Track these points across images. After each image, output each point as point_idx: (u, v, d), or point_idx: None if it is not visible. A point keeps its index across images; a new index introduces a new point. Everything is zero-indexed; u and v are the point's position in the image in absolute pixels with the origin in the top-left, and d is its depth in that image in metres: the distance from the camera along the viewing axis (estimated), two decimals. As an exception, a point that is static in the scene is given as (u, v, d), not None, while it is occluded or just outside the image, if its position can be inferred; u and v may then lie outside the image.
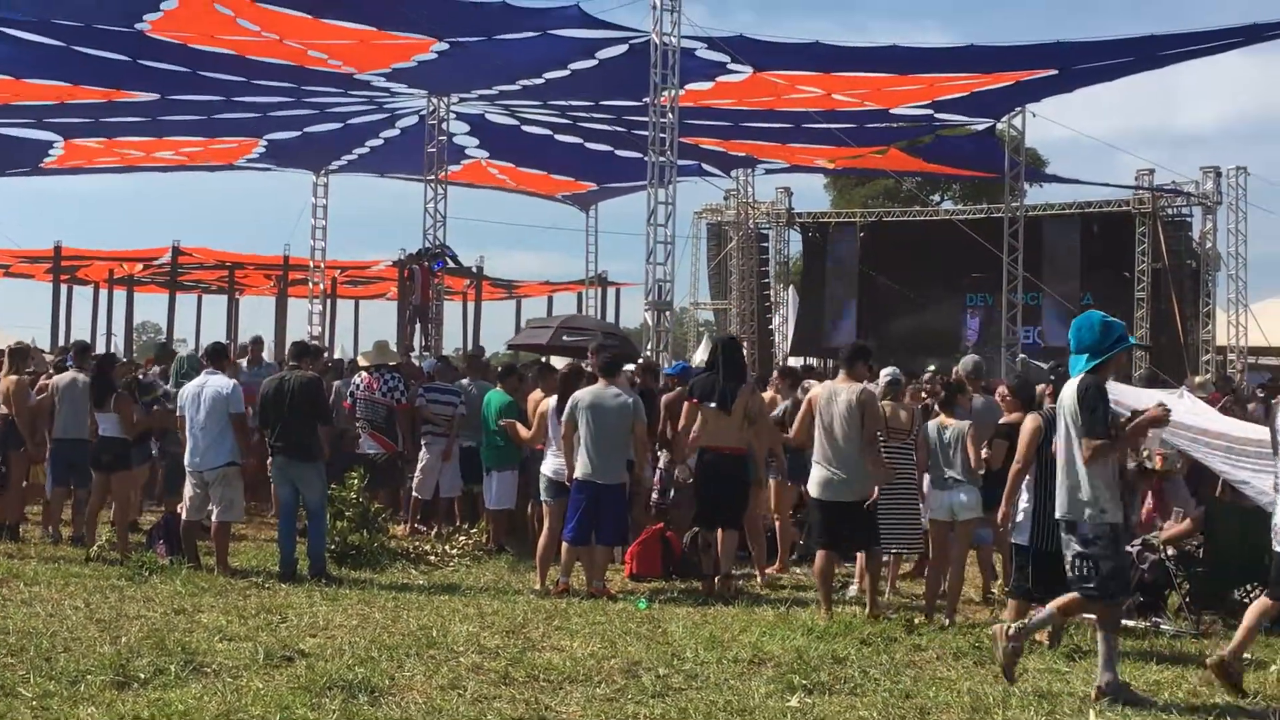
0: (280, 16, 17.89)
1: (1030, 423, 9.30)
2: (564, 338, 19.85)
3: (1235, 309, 29.86)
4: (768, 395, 13.37)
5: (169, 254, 32.93)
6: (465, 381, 14.96)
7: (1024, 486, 9.24)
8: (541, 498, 11.69)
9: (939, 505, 10.22)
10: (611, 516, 11.06)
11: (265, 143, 27.91)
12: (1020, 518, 9.28)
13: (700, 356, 33.44)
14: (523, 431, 12.30)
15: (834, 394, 10.32)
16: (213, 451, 11.57)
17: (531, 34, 18.71)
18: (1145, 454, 11.19)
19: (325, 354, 19.73)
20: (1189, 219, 31.07)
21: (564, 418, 11.14)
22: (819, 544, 10.43)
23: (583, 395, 11.13)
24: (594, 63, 20.09)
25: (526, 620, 9.64)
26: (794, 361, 32.96)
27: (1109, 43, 18.98)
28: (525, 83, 21.66)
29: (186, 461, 11.76)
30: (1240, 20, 23.05)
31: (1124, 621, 9.99)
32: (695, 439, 11.26)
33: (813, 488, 10.38)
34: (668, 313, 18.16)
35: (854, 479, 10.12)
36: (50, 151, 27.68)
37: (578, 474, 11.02)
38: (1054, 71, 20.95)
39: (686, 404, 11.40)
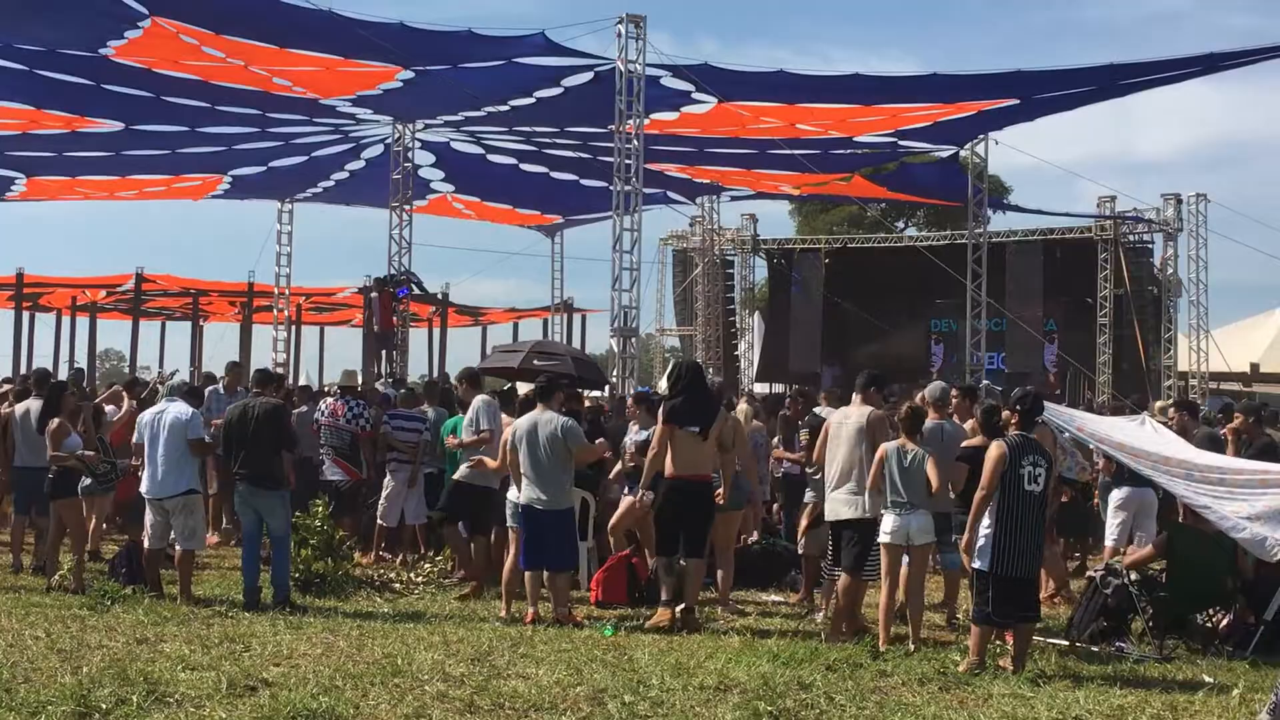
0: (246, 46, 17.88)
1: (995, 449, 9.40)
2: (535, 362, 19.83)
3: (1196, 335, 30.09)
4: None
5: (133, 281, 32.74)
6: (427, 408, 14.89)
7: (987, 511, 9.32)
8: (508, 523, 11.66)
9: (895, 529, 10.22)
10: (556, 541, 11.00)
11: (230, 179, 27.85)
12: (981, 542, 9.34)
13: (666, 384, 33.46)
14: (489, 463, 12.27)
15: (845, 417, 10.69)
16: (171, 479, 11.45)
17: (497, 62, 18.75)
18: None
19: (287, 380, 19.61)
20: (1150, 246, 31.39)
21: (506, 447, 11.16)
22: (853, 568, 10.46)
23: (521, 423, 11.14)
24: (560, 90, 20.14)
25: (492, 648, 9.61)
26: (760, 388, 33.09)
27: (1069, 72, 19.16)
28: (491, 109, 21.69)
29: (145, 490, 11.65)
30: (1198, 49, 23.29)
31: (1087, 646, 10.09)
32: (658, 461, 11.21)
33: (833, 511, 10.56)
34: (633, 339, 18.17)
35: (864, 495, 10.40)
36: (13, 187, 27.56)
37: (521, 500, 11.02)
38: (1016, 101, 21.13)
39: (661, 427, 11.32)
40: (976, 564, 9.46)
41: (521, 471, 11.02)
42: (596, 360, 21.93)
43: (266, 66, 18.89)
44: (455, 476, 12.67)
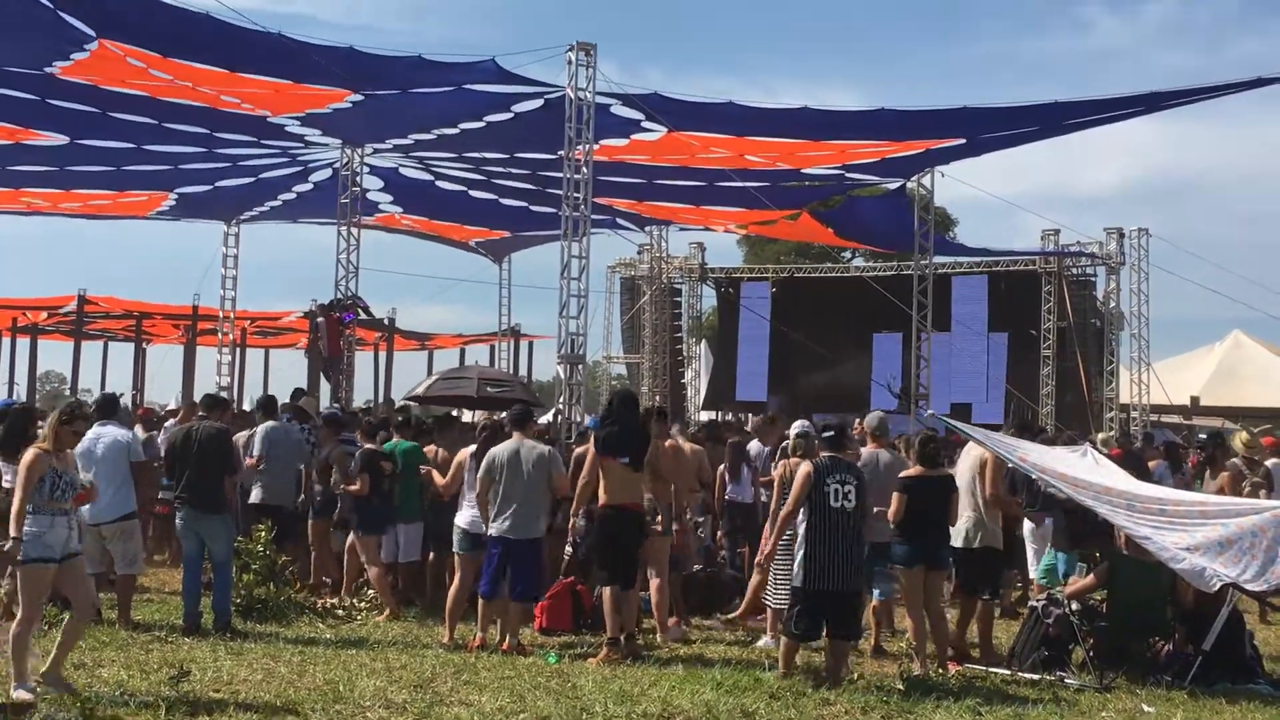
0: (194, 70, 17.77)
1: (802, 469, 10.10)
2: (488, 389, 19.84)
3: (1138, 367, 30.42)
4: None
5: (75, 303, 32.43)
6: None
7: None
8: (455, 549, 11.60)
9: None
10: (526, 571, 10.96)
11: (175, 196, 27.61)
12: (797, 559, 9.96)
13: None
14: (438, 479, 12.27)
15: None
16: (112, 504, 11.30)
17: (448, 88, 18.76)
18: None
19: (231, 405, 19.46)
20: (1093, 279, 31.68)
21: (481, 473, 11.07)
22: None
23: (500, 450, 11.07)
24: (510, 115, 20.14)
25: (435, 674, 9.57)
26: (705, 415, 33.15)
27: (1015, 109, 19.34)
28: (440, 132, 21.66)
29: (82, 515, 11.49)
30: (1138, 87, 23.63)
31: (1029, 675, 10.17)
32: (587, 489, 11.26)
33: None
34: (580, 366, 18.15)
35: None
36: (-49, 198, 27.21)
37: (494, 530, 10.92)
38: (962, 140, 21.33)
39: (591, 457, 11.34)
40: (795, 581, 9.97)
41: (498, 499, 10.94)
42: (540, 387, 21.91)
43: (214, 87, 18.76)
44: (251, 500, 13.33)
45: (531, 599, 11.27)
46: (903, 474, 10.88)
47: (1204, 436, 20.46)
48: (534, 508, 10.99)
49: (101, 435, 11.54)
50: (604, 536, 11.07)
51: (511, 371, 33.97)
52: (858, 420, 13.53)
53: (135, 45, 16.88)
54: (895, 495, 10.60)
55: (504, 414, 14.07)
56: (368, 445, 13.32)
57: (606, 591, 10.92)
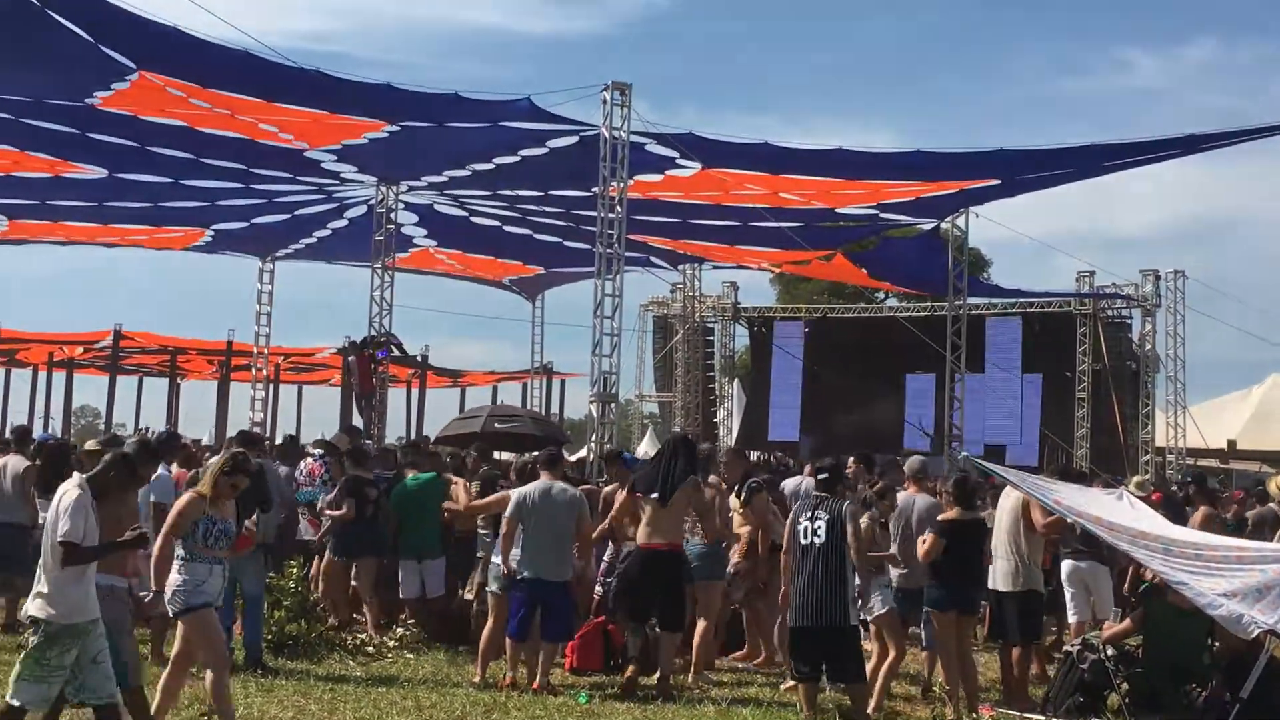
0: (233, 99, 17.94)
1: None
2: (495, 425, 19.76)
3: (1174, 410, 30.23)
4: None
5: (110, 337, 32.67)
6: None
7: None
8: (490, 588, 11.57)
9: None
10: (557, 613, 10.91)
11: (212, 233, 27.84)
12: None
13: (644, 449, 33.47)
14: (463, 498, 12.37)
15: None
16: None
17: (483, 124, 18.87)
18: None
19: (266, 441, 19.48)
20: (1129, 321, 31.56)
21: (509, 513, 11.05)
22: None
23: (530, 491, 11.06)
24: (545, 150, 20.24)
25: (465, 713, 9.53)
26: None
27: (1052, 152, 19.31)
28: (475, 167, 21.76)
29: None
30: (1176, 128, 23.57)
31: (1064, 721, 10.06)
32: (620, 526, 11.34)
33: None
34: (613, 405, 18.15)
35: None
36: (-4, 226, 27.48)
37: (525, 571, 10.88)
38: (998, 181, 21.30)
39: (622, 495, 11.39)
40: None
41: (524, 541, 10.92)
42: (571, 425, 21.85)
43: (253, 115, 18.91)
44: None
45: (564, 639, 11.23)
46: (940, 517, 10.84)
47: (1189, 479, 20.39)
48: (563, 549, 10.97)
49: (159, 475, 11.59)
50: (638, 577, 11.04)
51: (544, 410, 34.03)
52: (851, 459, 13.47)
53: (174, 77, 17.07)
54: (931, 537, 10.57)
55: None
56: (354, 472, 13.40)
57: (630, 627, 10.99)
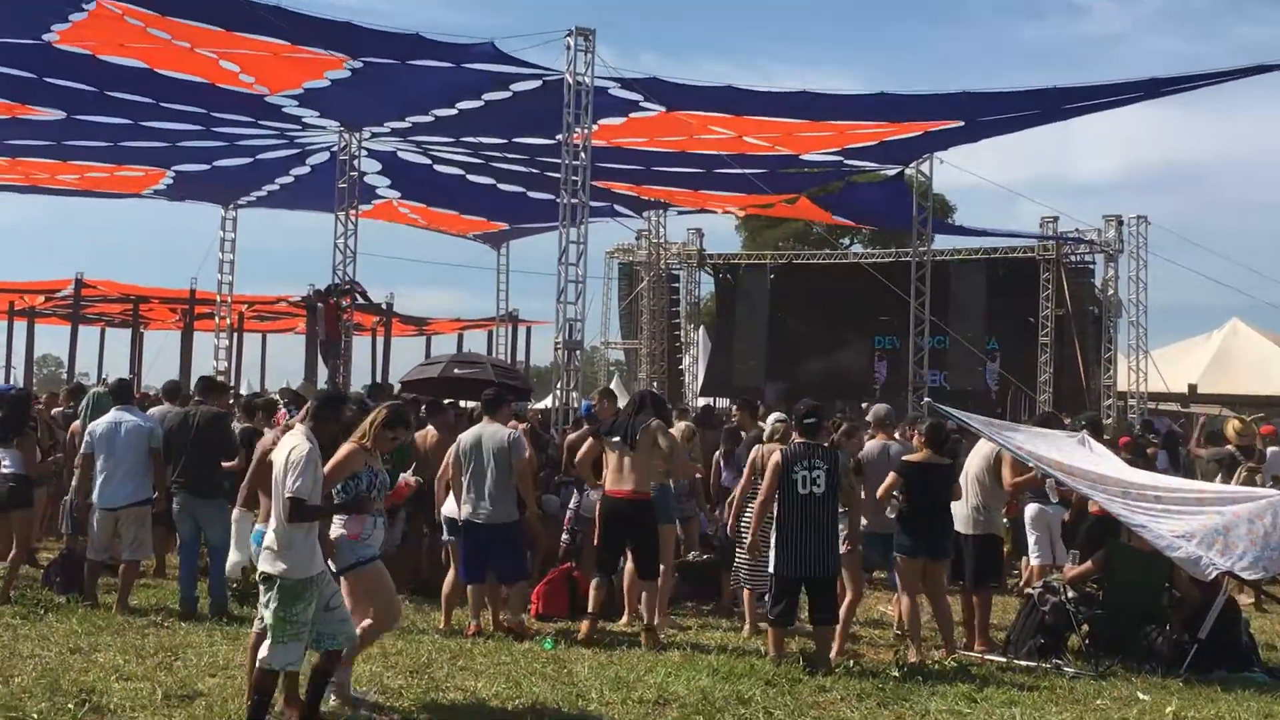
0: (192, 29, 17.63)
1: (774, 457, 10.22)
2: (455, 370, 19.60)
3: (1136, 355, 30.42)
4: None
5: (72, 286, 32.39)
6: None
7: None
8: (445, 537, 11.57)
9: None
10: (504, 554, 10.88)
11: (173, 174, 27.54)
12: (773, 546, 10.06)
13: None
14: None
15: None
16: (129, 488, 11.36)
17: (446, 64, 18.67)
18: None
19: (230, 390, 19.36)
20: (1092, 266, 31.67)
21: (449, 459, 11.07)
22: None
23: (466, 436, 11.07)
24: (508, 94, 20.07)
25: (431, 660, 9.55)
26: (703, 401, 33.15)
27: (1014, 94, 19.33)
28: (438, 113, 21.57)
29: (97, 498, 11.47)
30: (1136, 73, 23.65)
31: (1025, 663, 10.17)
32: (582, 468, 11.41)
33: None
34: (578, 352, 18.14)
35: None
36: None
37: (465, 515, 10.87)
38: (960, 123, 21.29)
39: (589, 441, 11.40)
40: (770, 568, 10.10)
41: (466, 485, 10.93)
42: (538, 372, 21.84)
43: (213, 48, 18.61)
44: None
45: (518, 579, 11.13)
46: (905, 458, 10.87)
47: (1153, 427, 20.68)
48: (502, 492, 10.87)
49: (123, 420, 11.54)
50: (607, 526, 10.99)
51: (509, 358, 33.97)
52: (735, 406, 13.57)
53: (133, 4, 16.79)
54: (891, 475, 10.62)
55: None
56: (247, 424, 13.35)
57: (596, 579, 10.97)
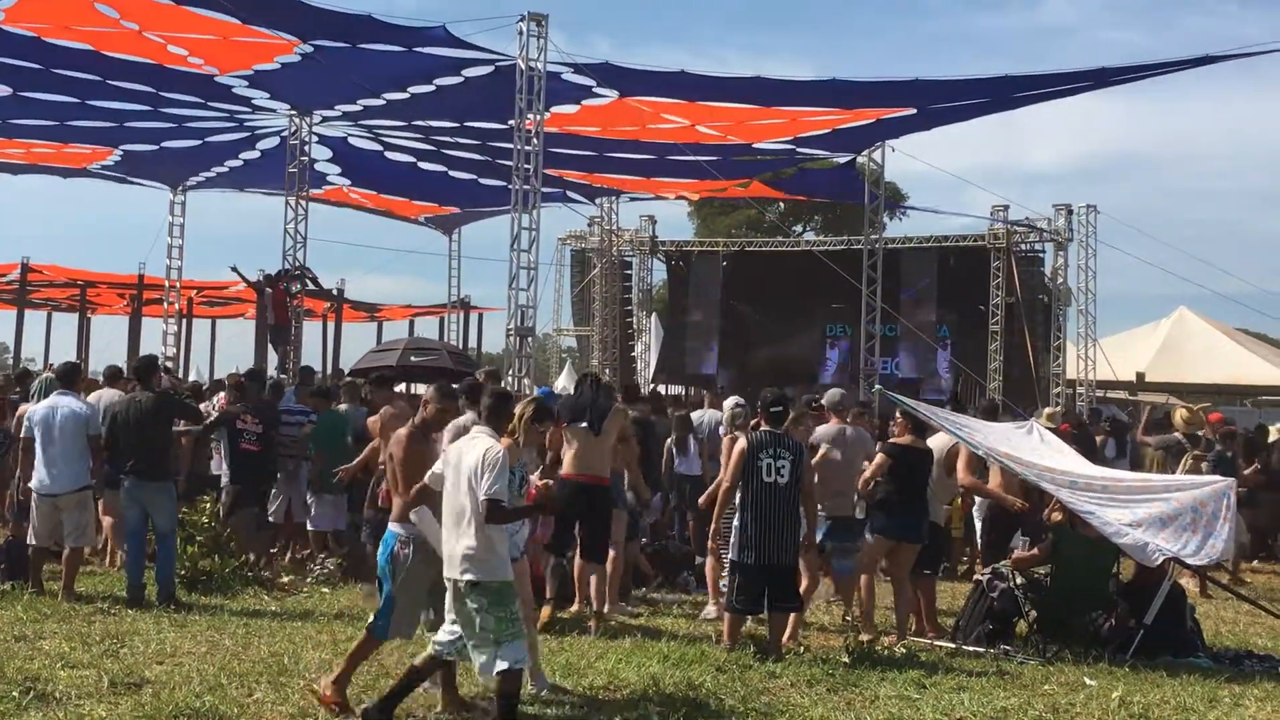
0: (140, 4, 17.38)
1: (737, 444, 10.18)
2: (412, 358, 19.50)
3: (1085, 343, 30.64)
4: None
5: (18, 270, 32.02)
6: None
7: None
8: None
9: None
10: None
11: (120, 153, 27.18)
12: (733, 534, 10.05)
13: (563, 383, 33.45)
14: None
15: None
16: (69, 475, 11.26)
17: (398, 48, 18.52)
18: None
19: (170, 373, 19.18)
20: (1042, 255, 31.78)
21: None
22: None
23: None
24: (460, 79, 19.95)
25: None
26: (657, 389, 33.13)
27: (965, 82, 19.41)
28: (390, 97, 21.40)
29: (36, 486, 11.36)
30: (1086, 63, 23.81)
31: (973, 649, 10.24)
32: (554, 459, 11.25)
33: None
34: (530, 339, 18.10)
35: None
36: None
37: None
38: (913, 110, 21.36)
39: (554, 426, 11.30)
40: (730, 555, 10.12)
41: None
42: (491, 360, 21.77)
43: (161, 32, 18.35)
44: None
45: None
46: (892, 439, 10.98)
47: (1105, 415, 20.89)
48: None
49: (59, 405, 11.41)
50: (567, 508, 10.84)
51: (462, 344, 33.87)
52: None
53: None
54: (880, 456, 10.74)
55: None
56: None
57: (553, 562, 10.96)
